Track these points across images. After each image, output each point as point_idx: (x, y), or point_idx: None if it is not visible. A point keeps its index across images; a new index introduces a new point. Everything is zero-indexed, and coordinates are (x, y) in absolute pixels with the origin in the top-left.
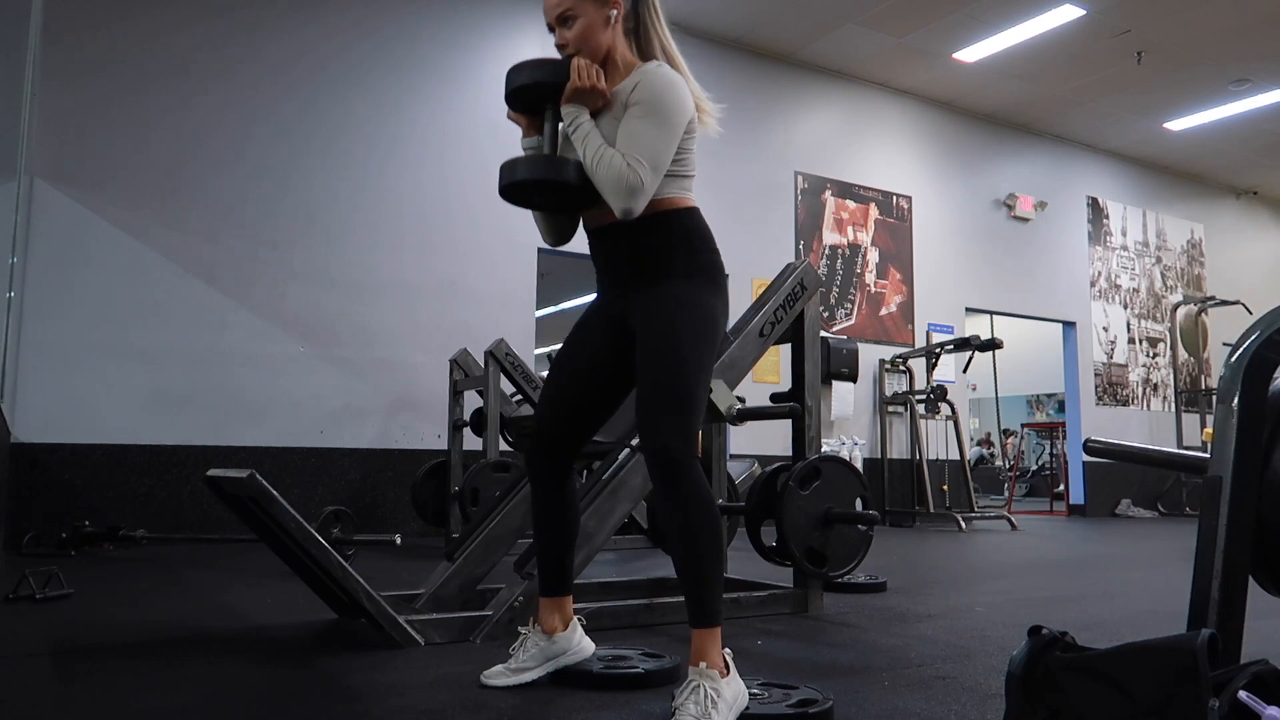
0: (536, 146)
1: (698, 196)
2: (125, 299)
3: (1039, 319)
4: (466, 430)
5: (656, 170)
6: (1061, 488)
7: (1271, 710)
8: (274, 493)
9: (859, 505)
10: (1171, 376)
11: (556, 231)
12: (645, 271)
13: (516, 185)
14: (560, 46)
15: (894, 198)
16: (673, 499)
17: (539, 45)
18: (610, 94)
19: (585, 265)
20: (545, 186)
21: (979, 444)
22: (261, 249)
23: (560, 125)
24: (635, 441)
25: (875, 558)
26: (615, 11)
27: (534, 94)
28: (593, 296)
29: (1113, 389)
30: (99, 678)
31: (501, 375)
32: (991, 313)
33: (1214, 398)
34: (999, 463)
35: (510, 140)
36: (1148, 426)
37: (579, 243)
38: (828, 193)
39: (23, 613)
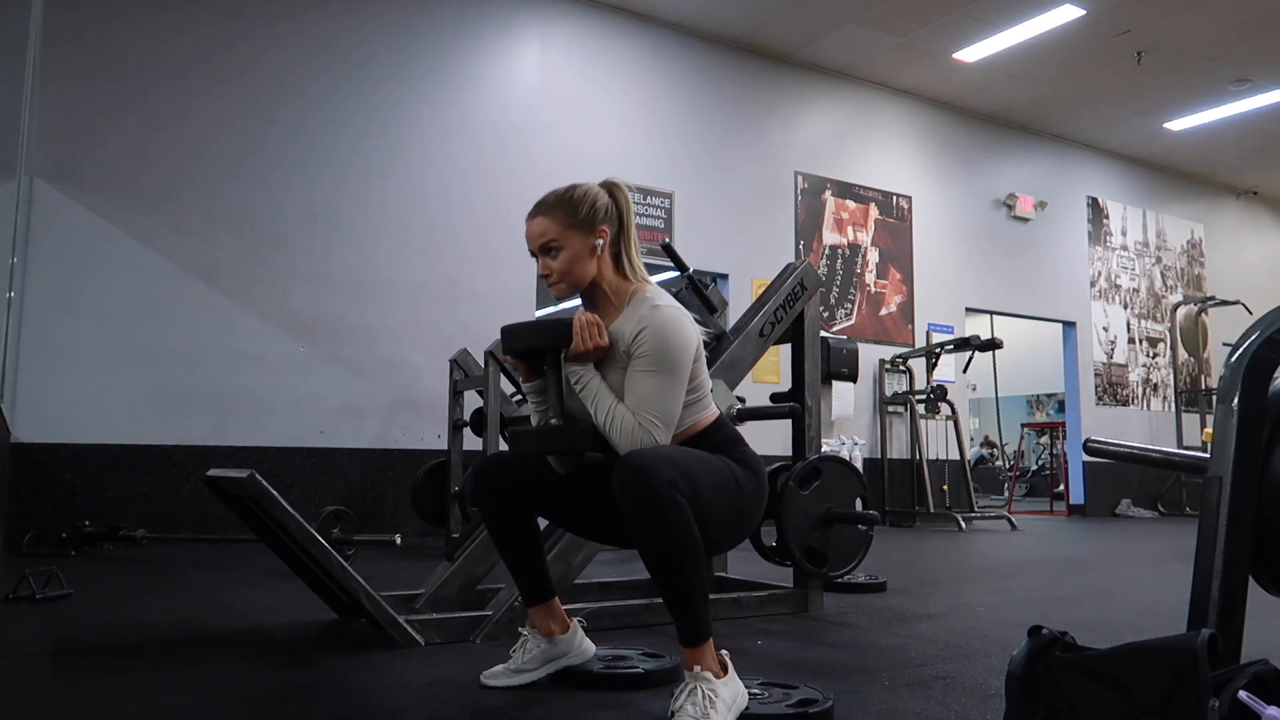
0: (540, 392)
1: (698, 196)
2: (126, 299)
3: (1039, 319)
4: (466, 430)
5: (669, 425)
6: (1061, 488)
7: (1271, 710)
8: (274, 493)
9: (859, 505)
10: (1171, 376)
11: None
12: None
13: (535, 454)
14: (544, 275)
15: (894, 198)
16: (649, 522)
17: (539, 46)
18: (609, 335)
19: None
20: (562, 456)
21: (982, 445)
22: (262, 249)
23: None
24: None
25: (875, 558)
26: (601, 241)
27: (535, 355)
28: None
29: (1113, 389)
30: (99, 678)
31: (501, 375)
32: (991, 313)
33: (1214, 398)
34: (999, 463)
35: (511, 142)
36: (1148, 426)
37: None
38: (828, 193)
39: (23, 613)
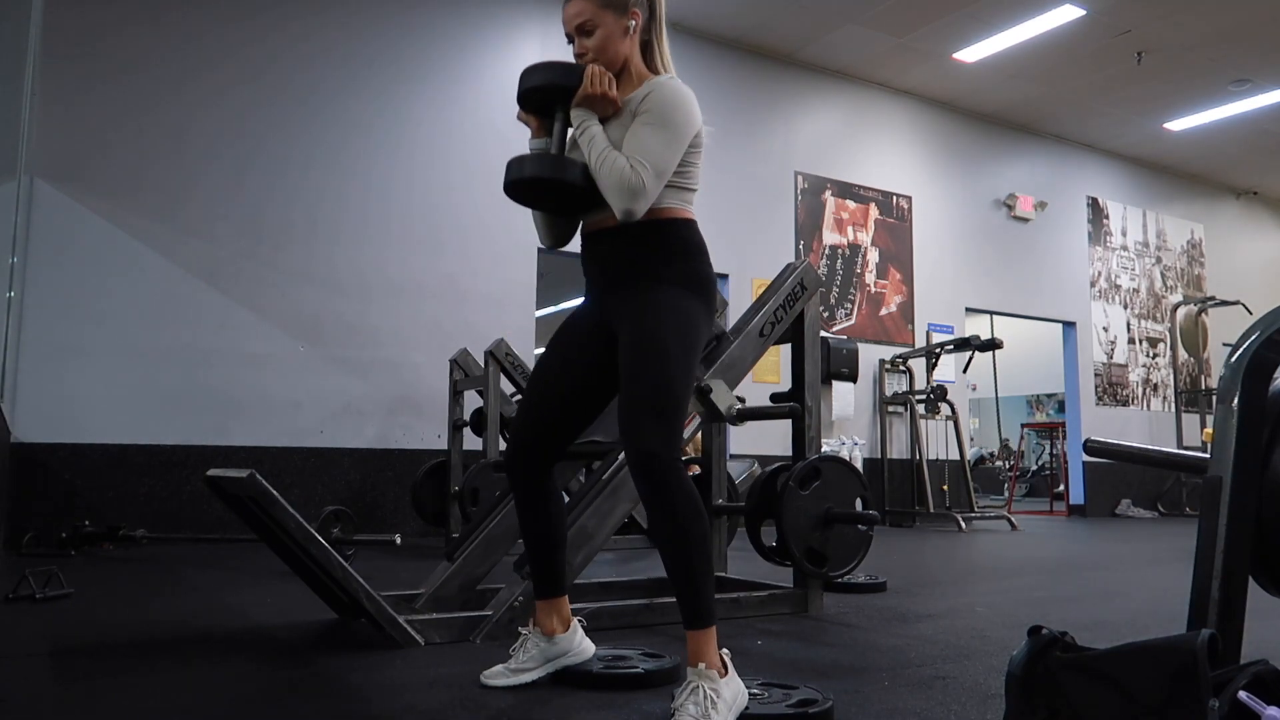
0: (544, 148)
1: (697, 195)
2: (125, 299)
3: (1039, 319)
4: (466, 430)
5: (659, 175)
6: (1061, 488)
7: (1271, 710)
8: (274, 493)
9: (859, 505)
10: (1171, 376)
11: (555, 233)
12: (636, 276)
13: (522, 182)
14: (579, 55)
15: (894, 198)
16: (659, 502)
17: (539, 45)
18: (621, 102)
19: None
20: (550, 186)
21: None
22: (262, 249)
23: (569, 129)
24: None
25: (875, 558)
26: (634, 23)
27: (545, 96)
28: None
29: (1113, 389)
30: (99, 678)
31: (501, 375)
32: (991, 313)
33: (1214, 398)
34: (999, 462)
35: (512, 140)
36: (1148, 426)
37: (579, 244)
38: (828, 193)
39: (23, 613)
